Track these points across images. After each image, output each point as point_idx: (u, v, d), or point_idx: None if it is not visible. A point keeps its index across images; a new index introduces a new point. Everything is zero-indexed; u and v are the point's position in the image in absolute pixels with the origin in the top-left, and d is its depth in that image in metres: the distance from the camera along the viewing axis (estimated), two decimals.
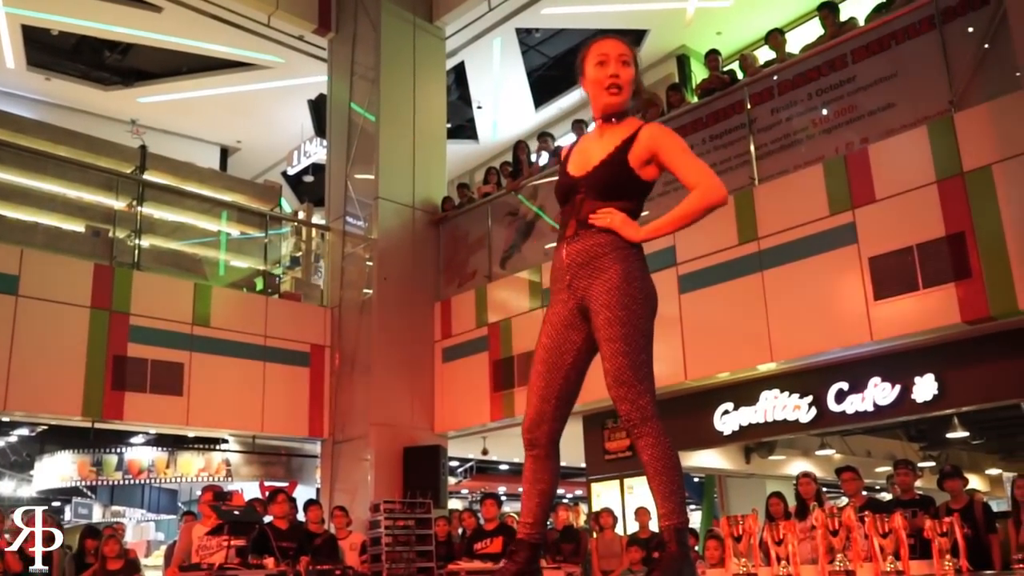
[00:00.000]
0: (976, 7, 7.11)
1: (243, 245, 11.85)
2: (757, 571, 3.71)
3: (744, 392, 8.88)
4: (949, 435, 12.39)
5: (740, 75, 9.18)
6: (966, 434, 12.44)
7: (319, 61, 12.67)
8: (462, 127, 14.82)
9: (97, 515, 18.81)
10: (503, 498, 12.81)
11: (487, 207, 11.02)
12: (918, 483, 7.95)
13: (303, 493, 11.77)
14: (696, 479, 12.98)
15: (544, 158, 11.11)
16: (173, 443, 15.18)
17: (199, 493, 9.17)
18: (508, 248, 10.66)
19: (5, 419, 12.40)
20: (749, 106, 8.58)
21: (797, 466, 12.21)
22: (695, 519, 12.81)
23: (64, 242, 9.71)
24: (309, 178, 15.68)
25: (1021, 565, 6.10)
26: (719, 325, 8.28)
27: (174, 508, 17.66)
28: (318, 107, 13.32)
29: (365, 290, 10.76)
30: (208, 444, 14.23)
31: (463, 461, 16.39)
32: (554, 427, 2.61)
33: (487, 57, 13.46)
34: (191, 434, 12.91)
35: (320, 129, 13.52)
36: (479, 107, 14.57)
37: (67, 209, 10.16)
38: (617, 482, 10.25)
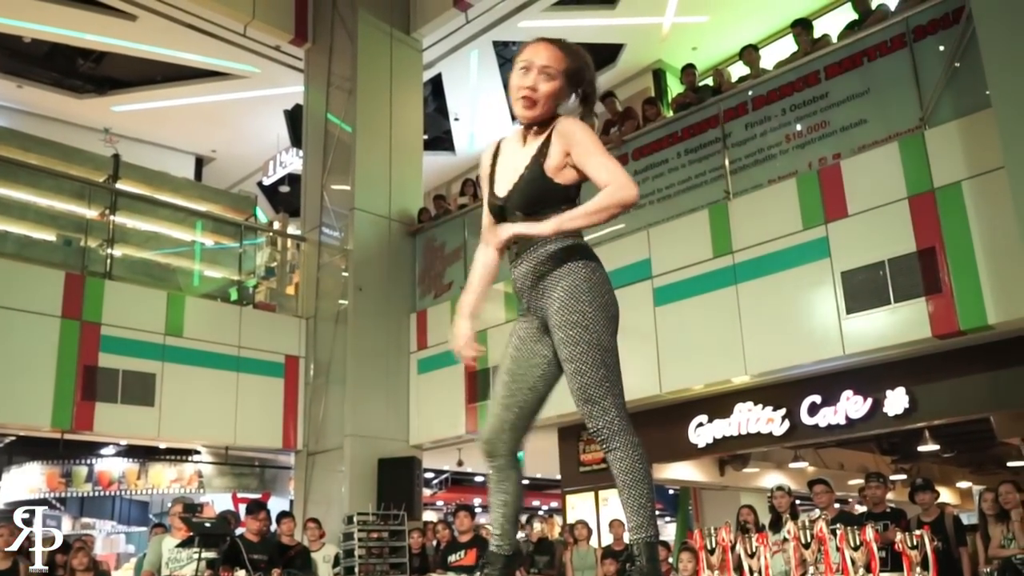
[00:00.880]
0: (947, 25, 7.22)
1: (217, 255, 11.76)
2: None
3: (718, 405, 8.92)
4: (920, 448, 12.50)
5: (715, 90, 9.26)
6: (937, 447, 12.55)
7: (295, 71, 12.62)
8: (439, 139, 14.83)
9: (66, 527, 18.53)
10: (478, 510, 12.75)
11: (463, 218, 11.00)
12: (890, 496, 8.02)
13: (276, 505, 11.68)
14: (671, 491, 13.00)
15: None
16: (144, 454, 15.01)
17: (170, 505, 9.06)
18: None
19: None
20: (723, 121, 8.65)
21: (771, 479, 12.26)
22: (670, 532, 12.83)
23: (35, 251, 9.59)
24: (285, 188, 15.63)
25: None
26: (694, 338, 8.32)
27: (145, 520, 17.43)
28: (294, 117, 13.29)
29: (340, 301, 10.71)
30: (180, 456, 14.09)
31: (438, 472, 16.33)
32: (515, 436, 2.57)
33: (464, 69, 13.49)
34: (163, 445, 12.77)
35: (296, 139, 13.49)
36: (456, 119, 14.59)
37: (38, 218, 10.03)
38: (592, 494, 10.26)
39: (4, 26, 12.28)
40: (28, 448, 15.93)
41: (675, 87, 12.73)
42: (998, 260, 6.53)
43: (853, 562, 3.69)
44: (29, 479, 16.52)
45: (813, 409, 8.18)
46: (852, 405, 7.90)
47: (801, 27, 8.72)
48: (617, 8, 12.31)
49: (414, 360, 10.94)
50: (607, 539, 9.16)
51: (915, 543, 3.73)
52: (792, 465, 12.64)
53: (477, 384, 10.16)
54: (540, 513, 15.02)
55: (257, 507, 7.53)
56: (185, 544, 6.76)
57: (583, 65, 2.55)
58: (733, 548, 3.88)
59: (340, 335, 10.60)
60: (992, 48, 6.06)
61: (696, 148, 8.85)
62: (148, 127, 14.60)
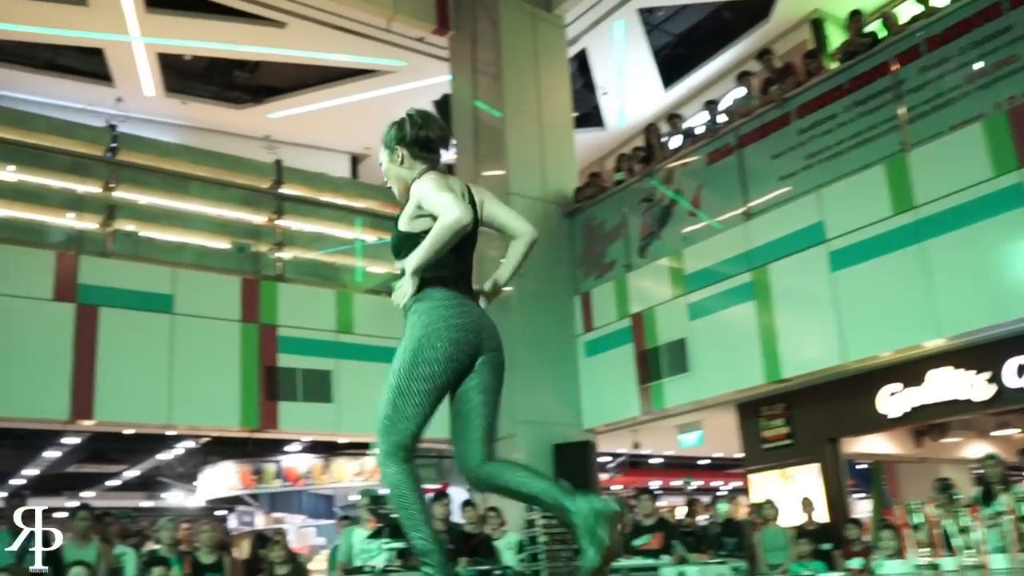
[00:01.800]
0: None
1: (379, 250, 11.94)
2: (940, 561, 3.39)
3: (910, 372, 8.42)
4: None
5: (883, 34, 8.62)
6: None
7: (441, 61, 12.65)
8: (588, 115, 14.56)
9: (259, 522, 19.54)
10: (658, 492, 12.46)
11: (620, 195, 10.73)
12: None
13: (456, 494, 11.77)
14: (860, 466, 12.27)
15: (677, 140, 10.73)
16: (327, 449, 15.54)
17: (353, 498, 9.29)
18: (646, 236, 10.32)
19: (171, 433, 12.94)
20: (897, 66, 8.04)
21: (975, 448, 11.43)
22: (863, 508, 12.15)
23: (212, 259, 10.01)
24: None
25: None
26: (877, 302, 7.90)
27: (330, 513, 18.07)
28: (443, 107, 13.33)
29: (504, 288, 10.62)
30: (361, 449, 14.48)
31: (614, 456, 16.11)
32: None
33: (609, 41, 13.17)
34: (343, 440, 13.13)
35: None
36: (604, 93, 14.28)
37: (212, 227, 10.46)
38: (776, 472, 9.81)
39: (166, 47, 12.91)
40: (220, 448, 16.87)
41: (836, 37, 11.95)
42: None
43: None
44: (224, 477, 17.49)
45: (1022, 371, 7.60)
46: None
47: None
48: None
49: (581, 343, 10.76)
50: (796, 519, 8.70)
51: None
52: (996, 433, 11.72)
53: (648, 364, 9.87)
54: (722, 493, 14.54)
55: (439, 496, 7.64)
56: (375, 535, 6.88)
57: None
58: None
59: (505, 322, 10.37)
60: None
61: (865, 99, 8.30)
62: (303, 130, 15.02)
